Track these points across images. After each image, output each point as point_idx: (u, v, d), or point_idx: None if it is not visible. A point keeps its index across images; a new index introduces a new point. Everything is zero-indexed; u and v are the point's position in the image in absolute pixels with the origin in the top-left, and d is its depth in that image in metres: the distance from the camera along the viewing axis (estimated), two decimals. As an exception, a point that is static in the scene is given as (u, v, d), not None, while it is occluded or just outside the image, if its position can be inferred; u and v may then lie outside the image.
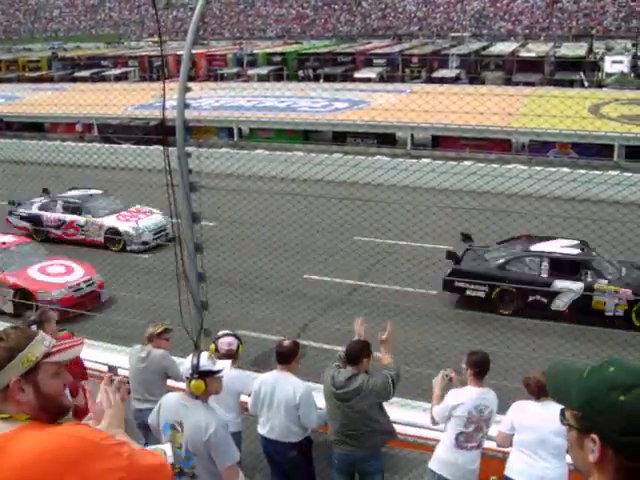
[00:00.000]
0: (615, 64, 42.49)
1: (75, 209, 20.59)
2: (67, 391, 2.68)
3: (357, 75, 44.69)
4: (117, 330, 12.69)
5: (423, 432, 6.60)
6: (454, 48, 51.65)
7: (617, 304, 14.13)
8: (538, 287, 14.21)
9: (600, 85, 40.65)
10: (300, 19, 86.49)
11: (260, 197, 17.98)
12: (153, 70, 51.92)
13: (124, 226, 19.99)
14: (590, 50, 47.82)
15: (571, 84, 40.28)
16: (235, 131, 33.97)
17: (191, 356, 5.00)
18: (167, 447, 3.27)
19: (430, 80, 41.60)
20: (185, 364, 4.99)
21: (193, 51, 6.12)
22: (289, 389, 6.23)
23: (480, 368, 6.04)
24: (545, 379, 2.14)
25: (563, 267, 14.75)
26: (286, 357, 6.35)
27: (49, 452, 2.21)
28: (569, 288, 14.38)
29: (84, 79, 47.83)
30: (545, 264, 14.81)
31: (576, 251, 15.05)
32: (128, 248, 19.72)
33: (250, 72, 49.00)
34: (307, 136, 33.16)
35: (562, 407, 1.95)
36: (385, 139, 31.19)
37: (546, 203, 17.06)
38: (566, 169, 21.20)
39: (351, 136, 32.06)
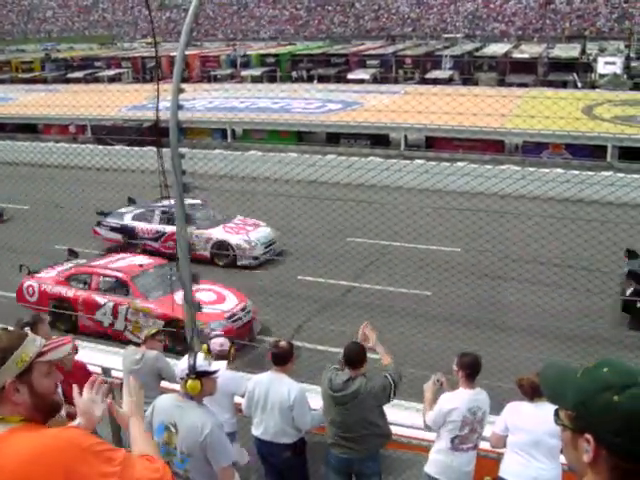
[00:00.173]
0: (608, 65, 42.59)
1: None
2: (59, 389, 2.69)
3: (350, 76, 44.73)
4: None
5: (417, 433, 6.60)
6: (447, 49, 51.74)
7: None
8: None
9: (593, 86, 40.76)
10: (293, 20, 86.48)
11: (253, 198, 18.01)
12: (146, 71, 51.89)
13: (235, 239, 18.21)
14: (583, 51, 47.95)
15: (564, 85, 40.43)
16: (229, 132, 33.95)
17: (187, 357, 5.00)
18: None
19: (423, 81, 41.66)
20: (180, 365, 4.98)
21: (186, 52, 6.10)
22: (283, 390, 6.21)
23: (472, 370, 6.04)
24: (539, 380, 2.14)
25: None
26: (282, 358, 6.34)
27: (40, 455, 2.21)
28: None
29: (77, 80, 47.80)
30: None
31: None
32: (239, 263, 17.92)
33: (243, 73, 49.01)
34: (300, 137, 33.17)
35: (556, 407, 1.96)
36: (378, 140, 31.20)
37: (539, 204, 17.12)
38: (559, 170, 21.30)
39: (345, 137, 32.07)
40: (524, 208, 15.08)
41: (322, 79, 46.06)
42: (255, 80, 46.77)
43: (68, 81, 48.23)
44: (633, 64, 45.30)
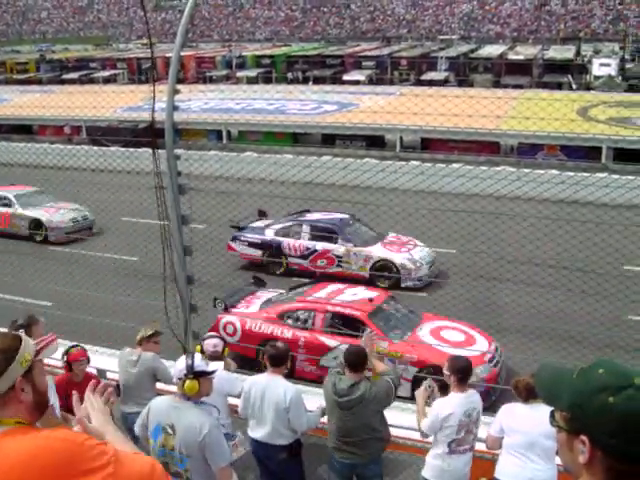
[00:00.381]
0: (603, 67, 42.69)
1: (327, 236, 16.95)
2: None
3: (346, 77, 44.76)
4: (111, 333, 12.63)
5: (415, 434, 6.59)
6: (443, 51, 51.80)
7: None
8: None
9: (588, 88, 40.84)
10: (289, 22, 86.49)
11: (249, 199, 17.98)
12: (142, 72, 51.82)
13: (399, 258, 16.44)
14: (578, 53, 48.03)
15: (559, 87, 40.49)
16: (224, 133, 33.95)
17: (184, 358, 5.02)
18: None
19: (419, 83, 41.70)
20: (177, 366, 5.00)
21: (182, 53, 6.11)
22: (279, 392, 6.21)
23: (464, 374, 6.07)
24: (534, 381, 2.14)
25: None
26: (279, 360, 6.34)
27: (33, 455, 2.21)
28: None
29: (72, 81, 47.73)
30: None
31: None
32: (403, 285, 16.08)
33: (239, 74, 49.01)
34: (296, 138, 33.17)
35: (552, 409, 1.96)
36: (374, 141, 31.23)
37: (535, 205, 17.14)
38: (554, 171, 21.32)
39: (340, 138, 32.08)
40: (519, 209, 15.08)
41: (318, 80, 46.06)
42: (251, 81, 46.76)
43: (63, 82, 48.15)
44: (628, 66, 45.44)
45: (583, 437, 1.83)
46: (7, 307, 12.11)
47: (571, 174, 19.83)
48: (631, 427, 1.76)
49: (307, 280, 14.75)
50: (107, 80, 48.97)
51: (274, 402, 6.21)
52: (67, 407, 5.15)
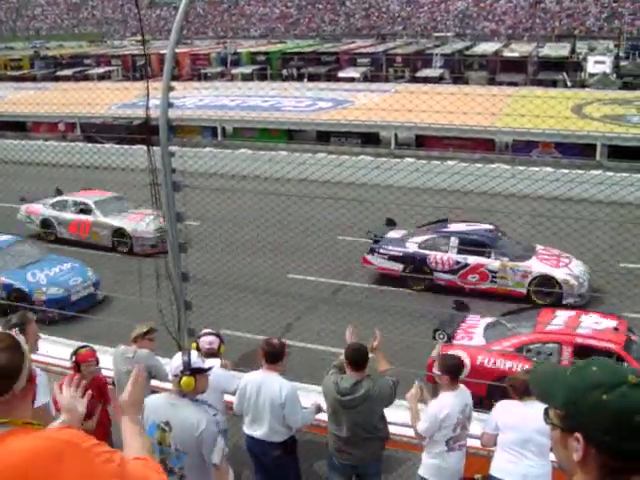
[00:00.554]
0: (598, 64, 42.74)
1: (476, 249, 15.65)
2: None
3: (341, 75, 44.69)
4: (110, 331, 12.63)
5: (409, 431, 6.60)
6: (438, 48, 51.73)
7: None
8: None
9: (583, 85, 40.87)
10: (284, 18, 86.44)
11: (244, 196, 17.97)
12: (136, 69, 51.69)
13: (560, 274, 15.22)
14: (573, 50, 48.06)
15: (554, 84, 40.52)
16: (219, 130, 33.88)
17: (180, 355, 5.03)
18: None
19: (414, 80, 41.63)
20: (173, 362, 5.02)
21: (177, 50, 6.09)
22: (275, 388, 6.22)
23: (456, 373, 6.10)
24: (529, 378, 2.15)
25: None
26: (275, 356, 6.34)
27: (37, 455, 2.20)
28: None
29: (67, 78, 47.52)
30: None
31: None
32: (564, 302, 14.94)
33: (234, 71, 48.90)
34: (291, 135, 33.13)
35: (546, 407, 1.96)
36: (369, 138, 31.21)
37: (529, 202, 17.15)
38: (549, 169, 21.36)
39: (335, 135, 32.05)
40: (514, 207, 15.08)
41: (312, 77, 45.98)
42: (245, 78, 46.66)
43: (57, 79, 48.00)
44: (622, 63, 45.50)
45: (577, 435, 1.84)
46: None
47: (566, 171, 19.90)
48: (624, 424, 1.77)
49: (525, 305, 13.98)
50: (101, 77, 48.82)
51: (269, 398, 6.21)
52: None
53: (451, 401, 6.02)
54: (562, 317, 11.90)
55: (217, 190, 17.94)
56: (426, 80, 39.08)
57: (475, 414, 6.67)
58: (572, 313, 12.20)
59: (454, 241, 15.97)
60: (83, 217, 19.51)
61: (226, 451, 5.08)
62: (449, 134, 29.09)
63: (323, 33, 79.99)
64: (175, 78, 8.30)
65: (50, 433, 2.36)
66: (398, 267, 16.28)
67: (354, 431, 6.03)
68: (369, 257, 16.63)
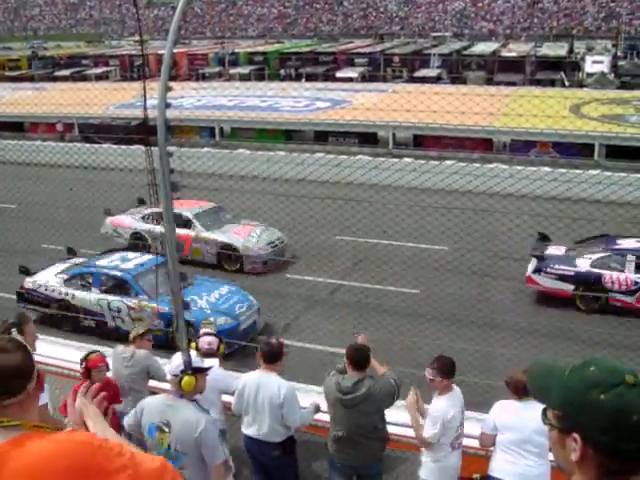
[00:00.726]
0: (595, 64, 42.73)
1: None
2: None
3: (339, 74, 44.67)
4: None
5: (409, 431, 6.60)
6: (436, 48, 51.74)
7: None
8: None
9: (581, 85, 40.87)
10: (282, 18, 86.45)
11: (242, 197, 17.97)
12: (134, 69, 51.63)
13: None
14: (571, 50, 48.08)
15: (552, 84, 40.52)
16: (217, 130, 33.85)
17: (179, 354, 5.03)
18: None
19: (412, 80, 41.61)
20: (174, 362, 5.01)
21: (174, 50, 6.08)
22: (273, 388, 6.21)
23: (452, 374, 6.11)
24: (526, 377, 2.15)
25: None
26: (273, 356, 6.33)
27: (54, 458, 2.20)
28: None
29: (64, 78, 47.48)
30: None
31: None
32: None
33: (232, 71, 48.86)
34: (289, 136, 33.10)
35: (544, 407, 1.96)
36: (367, 138, 31.18)
37: (527, 202, 17.18)
38: (547, 168, 21.38)
39: (333, 135, 32.03)
40: (512, 206, 15.12)
41: (310, 77, 45.95)
42: (243, 78, 46.63)
43: (55, 79, 47.94)
44: (620, 63, 45.53)
45: (575, 435, 1.84)
46: None
47: (564, 171, 19.92)
48: (622, 424, 1.77)
49: None
50: (99, 77, 48.75)
51: (268, 398, 6.21)
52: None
53: (452, 403, 6.03)
54: None
55: (215, 190, 17.96)
56: (424, 80, 39.08)
57: (474, 414, 6.68)
58: None
59: (630, 259, 14.70)
60: (182, 231, 16.38)
61: (226, 452, 5.08)
62: (447, 134, 29.07)
63: (321, 33, 79.99)
64: (173, 78, 8.29)
65: (64, 436, 2.36)
66: (568, 288, 14.91)
67: (354, 431, 6.02)
68: (535, 277, 15.20)
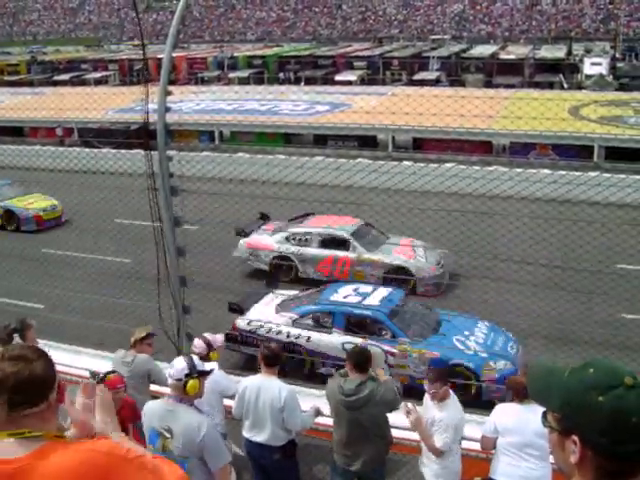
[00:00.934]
0: (594, 66, 42.80)
1: None
2: None
3: (338, 78, 44.73)
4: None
5: (414, 435, 6.59)
6: (434, 51, 51.86)
7: None
8: None
9: (579, 87, 40.94)
10: (280, 22, 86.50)
11: (242, 201, 17.92)
12: (133, 74, 51.68)
13: None
14: (569, 52, 48.15)
15: (551, 86, 40.58)
16: (216, 134, 33.87)
17: (180, 359, 5.04)
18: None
19: (411, 83, 41.70)
20: (176, 366, 5.00)
21: (173, 54, 6.09)
22: (274, 391, 6.21)
23: (447, 376, 6.13)
24: (526, 380, 2.15)
25: None
26: (273, 360, 6.34)
27: (79, 469, 2.19)
28: None
29: (64, 83, 47.51)
30: None
31: None
32: None
33: (231, 75, 48.92)
34: (288, 139, 33.12)
35: (544, 410, 1.97)
36: (366, 142, 31.21)
37: (527, 204, 17.17)
38: (547, 171, 21.37)
39: (332, 139, 32.04)
40: (512, 209, 15.11)
41: (309, 81, 46.03)
42: (242, 82, 46.67)
43: (54, 84, 47.95)
44: (619, 65, 45.61)
45: (574, 437, 1.84)
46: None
47: (563, 173, 19.88)
48: (620, 426, 1.78)
49: None
50: (98, 82, 48.81)
51: (269, 401, 6.20)
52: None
53: (456, 406, 6.04)
54: None
55: (215, 194, 17.90)
56: (423, 83, 39.11)
57: (474, 417, 6.68)
58: None
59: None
60: (341, 253, 15.87)
61: (229, 456, 5.08)
62: (446, 137, 29.10)
63: (320, 37, 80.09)
64: (172, 82, 8.29)
65: (88, 446, 2.34)
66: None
67: (357, 434, 6.03)
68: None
